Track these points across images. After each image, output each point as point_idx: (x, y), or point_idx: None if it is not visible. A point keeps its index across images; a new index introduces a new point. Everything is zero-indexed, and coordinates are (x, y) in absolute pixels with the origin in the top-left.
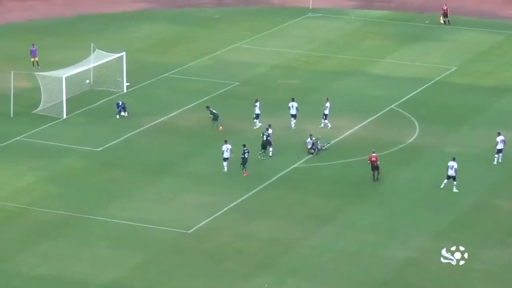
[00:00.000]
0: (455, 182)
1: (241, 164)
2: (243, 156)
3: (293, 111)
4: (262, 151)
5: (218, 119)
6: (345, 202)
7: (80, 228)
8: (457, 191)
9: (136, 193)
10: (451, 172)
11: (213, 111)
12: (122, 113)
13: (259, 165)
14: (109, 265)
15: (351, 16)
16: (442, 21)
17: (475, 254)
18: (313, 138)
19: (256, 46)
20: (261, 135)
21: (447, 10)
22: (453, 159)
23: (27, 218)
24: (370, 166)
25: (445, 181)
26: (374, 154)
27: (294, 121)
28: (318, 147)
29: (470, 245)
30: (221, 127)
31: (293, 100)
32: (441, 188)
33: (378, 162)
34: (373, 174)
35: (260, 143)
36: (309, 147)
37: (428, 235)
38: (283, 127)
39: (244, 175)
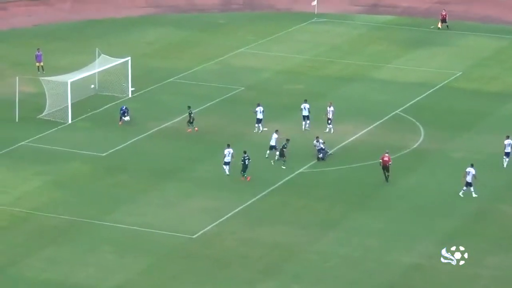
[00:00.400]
0: (472, 188)
1: (241, 170)
2: (243, 162)
3: (305, 113)
4: (281, 158)
5: (194, 123)
6: (350, 208)
7: (86, 233)
8: (462, 196)
9: (141, 198)
10: (468, 178)
11: (192, 114)
12: (125, 118)
13: (264, 170)
14: (114, 270)
15: (356, 21)
16: (439, 26)
17: (480, 259)
18: (320, 141)
19: (261, 51)
20: (281, 145)
21: (445, 16)
22: (471, 165)
23: (32, 223)
24: (381, 166)
25: (464, 188)
26: (386, 155)
27: (308, 122)
28: (328, 151)
29: (476, 250)
30: (196, 128)
31: (305, 101)
32: (461, 196)
33: (390, 163)
34: (384, 174)
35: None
36: (317, 149)
37: (434, 240)
38: (288, 132)
39: (247, 179)
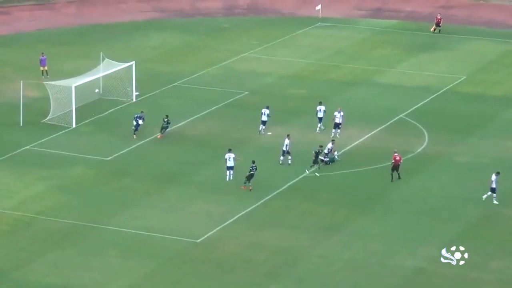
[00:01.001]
0: (489, 192)
1: (246, 178)
2: (251, 171)
3: (320, 114)
4: (314, 166)
5: (167, 130)
6: (354, 211)
7: (90, 237)
8: (496, 202)
9: (145, 202)
10: (492, 184)
11: (168, 123)
12: (140, 122)
13: (267, 175)
14: (118, 274)
15: (360, 25)
16: (432, 29)
17: (484, 263)
18: (334, 144)
19: (265, 56)
20: (313, 151)
21: (440, 20)
22: (496, 173)
23: (36, 227)
24: (391, 166)
25: (494, 194)
26: (397, 154)
27: (321, 124)
28: (335, 155)
29: (480, 254)
30: (159, 135)
31: (320, 103)
32: (497, 203)
33: (401, 162)
34: (392, 175)
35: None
36: (325, 152)
37: (437, 244)
38: (292, 136)
39: (243, 188)
